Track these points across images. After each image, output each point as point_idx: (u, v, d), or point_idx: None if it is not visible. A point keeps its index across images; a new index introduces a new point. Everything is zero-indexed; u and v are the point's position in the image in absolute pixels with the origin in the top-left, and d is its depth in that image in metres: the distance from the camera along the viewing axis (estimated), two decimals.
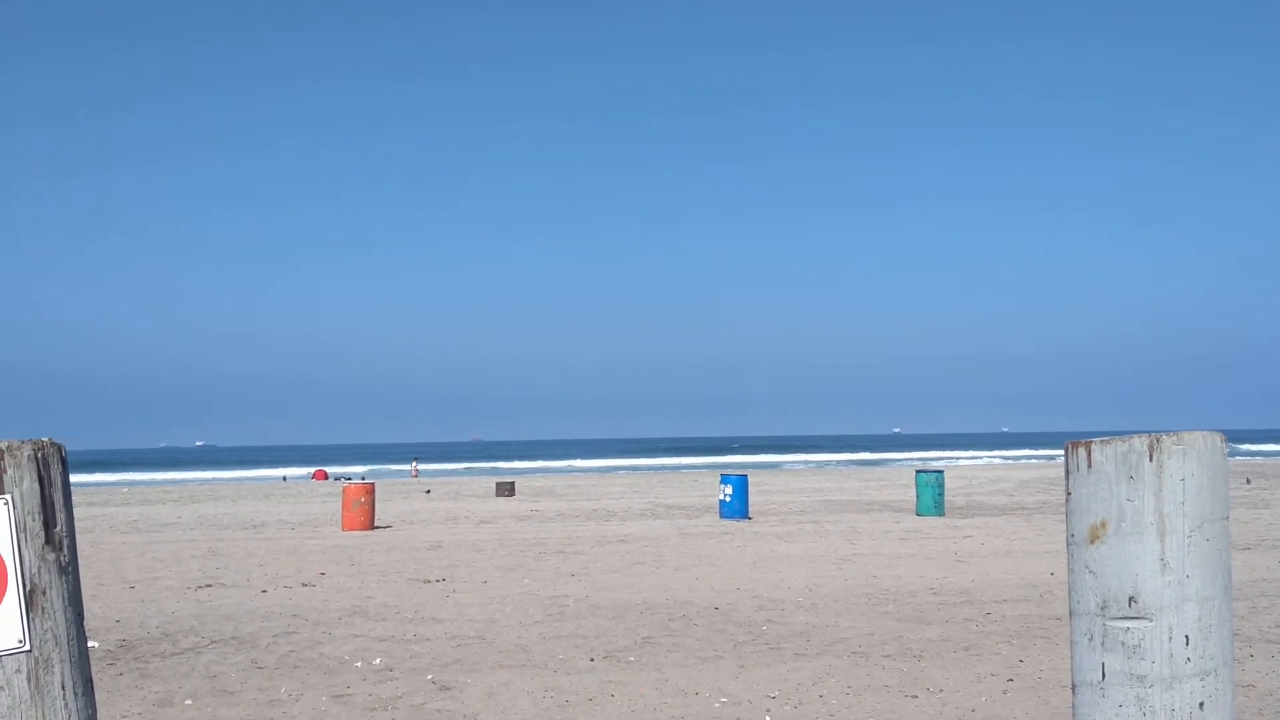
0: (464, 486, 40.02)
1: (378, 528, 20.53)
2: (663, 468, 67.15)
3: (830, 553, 14.80)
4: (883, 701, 6.41)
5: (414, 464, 64.34)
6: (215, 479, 62.37)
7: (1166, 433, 2.55)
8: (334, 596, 11.31)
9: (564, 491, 34.93)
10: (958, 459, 74.75)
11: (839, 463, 78.12)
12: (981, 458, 76.59)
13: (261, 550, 16.48)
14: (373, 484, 21.91)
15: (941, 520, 20.56)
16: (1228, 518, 2.63)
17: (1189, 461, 2.53)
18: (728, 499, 21.58)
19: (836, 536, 17.25)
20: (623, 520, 21.70)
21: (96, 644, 8.69)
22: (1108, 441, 2.60)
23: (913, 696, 6.50)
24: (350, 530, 19.84)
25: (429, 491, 33.91)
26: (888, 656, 7.71)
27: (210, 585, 12.40)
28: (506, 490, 32.32)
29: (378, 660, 7.89)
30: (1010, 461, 70.24)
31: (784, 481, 39.72)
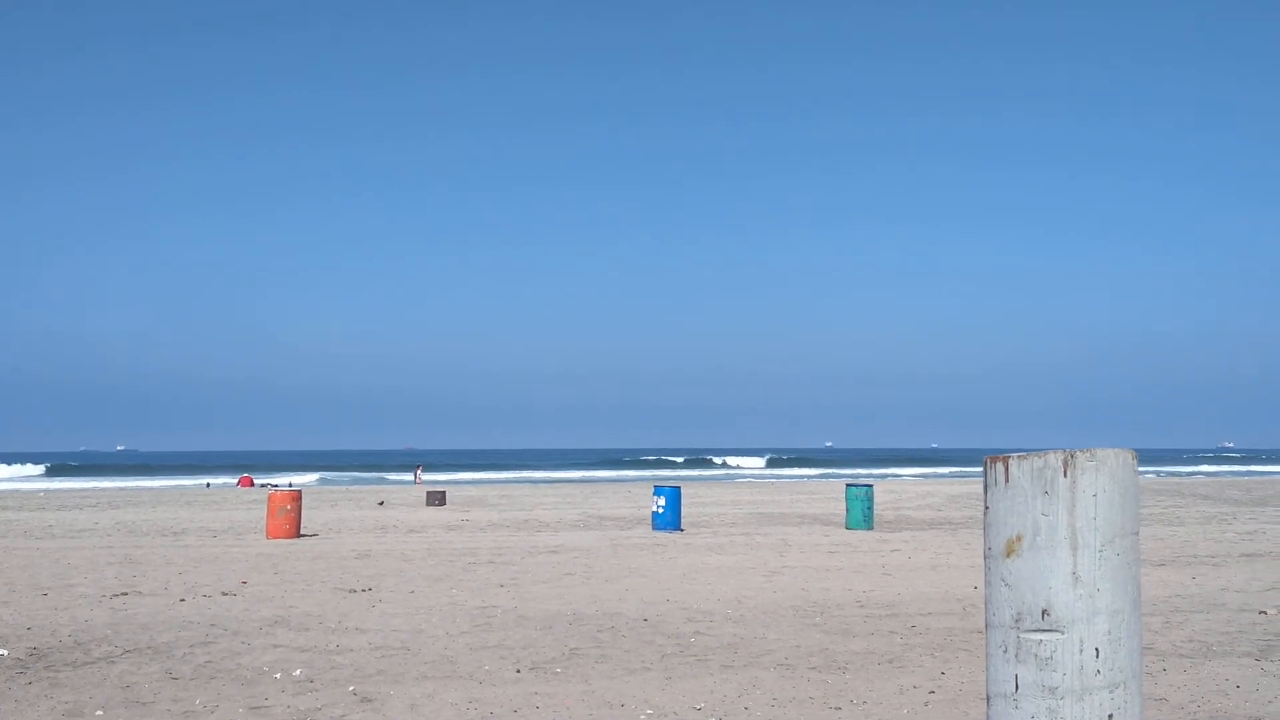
0: (394, 495, 39.52)
1: (304, 536, 20.17)
2: (597, 479, 67.04)
3: (760, 565, 14.89)
4: (807, 714, 6.46)
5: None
6: (136, 486, 60.71)
7: (1081, 449, 2.60)
8: (255, 606, 11.07)
9: (496, 501, 34.68)
10: (888, 474, 75.77)
11: (772, 475, 78.75)
12: (905, 474, 77.77)
13: (181, 558, 16.07)
14: (299, 491, 21.53)
15: (870, 534, 20.82)
16: (1137, 533, 2.70)
17: (1101, 477, 2.59)
18: (661, 511, 21.61)
19: (767, 549, 17.36)
20: (555, 531, 21.60)
21: (5, 652, 8.40)
22: (1024, 457, 2.65)
23: (836, 709, 6.56)
24: (275, 538, 19.45)
25: (382, 503, 33.35)
26: (813, 669, 7.76)
27: (126, 593, 12.05)
28: (437, 499, 31.97)
29: (298, 671, 7.73)
30: (939, 477, 71.42)
31: (717, 494, 39.90)
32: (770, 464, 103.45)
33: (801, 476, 74.76)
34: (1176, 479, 60.13)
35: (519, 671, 7.71)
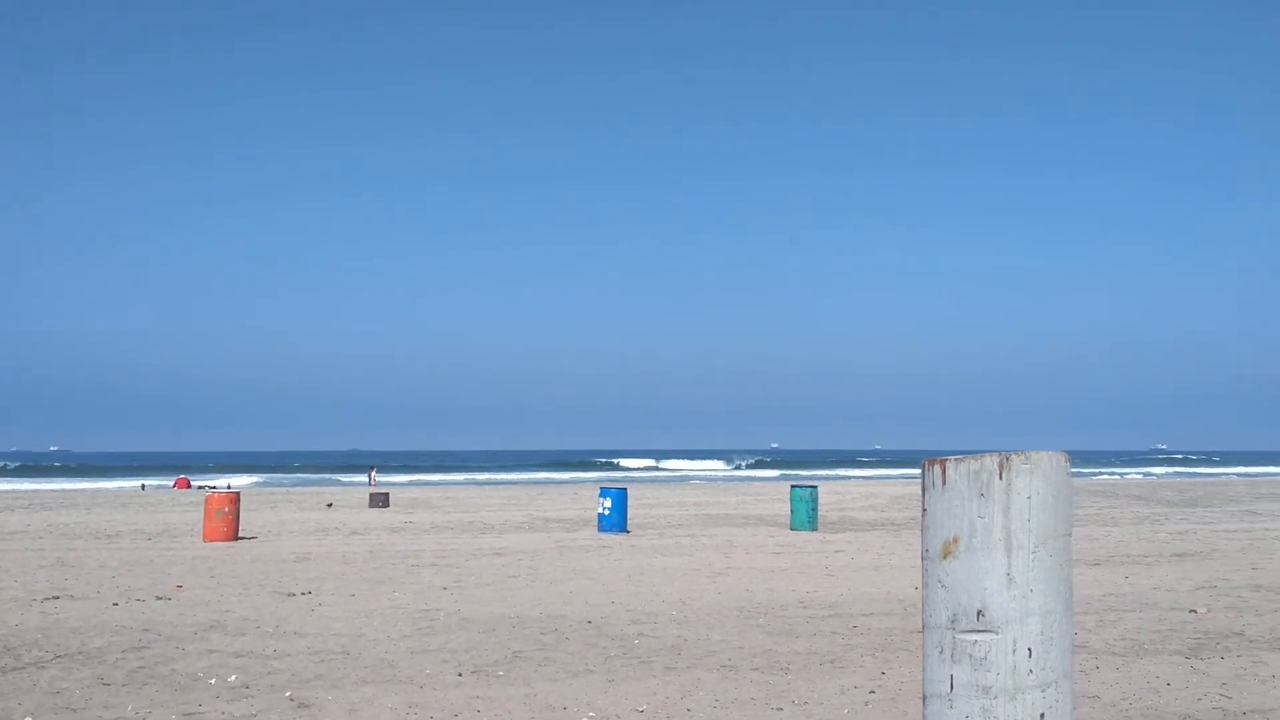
0: (341, 497, 39.01)
1: (242, 538, 19.82)
2: (543, 481, 66.82)
3: (705, 566, 14.93)
4: (749, 714, 6.47)
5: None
6: (69, 487, 59.23)
7: (1016, 452, 2.64)
8: (190, 610, 10.85)
9: (440, 503, 34.39)
10: (833, 475, 76.48)
11: (718, 476, 79.09)
12: (852, 475, 78.58)
13: (115, 561, 15.70)
14: (237, 493, 21.16)
15: (815, 535, 20.99)
16: (1070, 534, 2.74)
17: (1036, 480, 2.62)
18: (607, 512, 21.59)
19: (712, 550, 17.42)
20: (500, 533, 21.48)
21: None
22: (961, 460, 2.67)
23: (778, 709, 6.58)
24: (212, 541, 19.09)
25: (330, 505, 32.84)
26: (756, 670, 7.79)
27: (57, 597, 11.74)
28: (380, 501, 31.62)
29: (233, 677, 7.58)
30: (882, 478, 72.25)
31: (664, 495, 39.97)
32: (745, 465, 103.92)
33: (748, 477, 75.18)
34: (1112, 480, 61.49)
35: (460, 675, 7.64)
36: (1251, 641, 8.75)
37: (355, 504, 33.36)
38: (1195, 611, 10.41)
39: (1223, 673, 7.50)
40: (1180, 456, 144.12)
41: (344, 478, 73.57)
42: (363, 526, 23.43)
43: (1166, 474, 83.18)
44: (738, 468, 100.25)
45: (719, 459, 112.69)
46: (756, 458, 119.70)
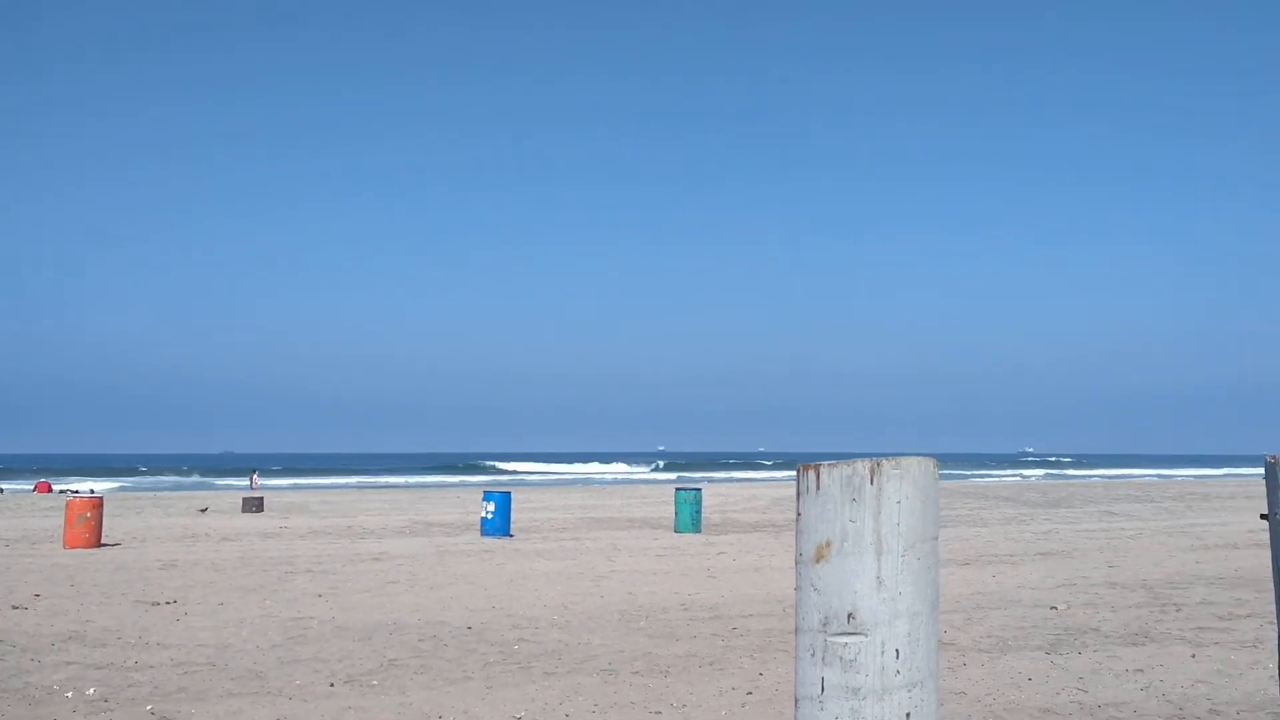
0: (211, 501, 37.62)
1: (105, 545, 18.92)
2: (426, 484, 65.72)
3: (588, 570, 14.90)
4: (627, 718, 6.47)
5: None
6: None
7: (887, 457, 2.69)
8: (48, 620, 10.29)
9: (318, 508, 33.50)
10: (718, 477, 77.36)
11: (605, 479, 79.18)
12: (738, 477, 79.63)
13: None
14: (100, 497, 20.20)
15: (698, 537, 21.18)
16: (937, 537, 2.81)
17: (905, 485, 2.67)
18: (490, 516, 21.35)
19: (596, 553, 17.41)
20: (379, 538, 21.03)
21: None
22: (835, 465, 2.71)
23: (656, 713, 6.60)
24: (73, 548, 18.17)
25: (205, 509, 31.50)
26: (636, 673, 7.80)
27: None
28: (254, 506, 30.61)
29: (91, 690, 7.21)
30: (766, 481, 73.46)
31: (548, 498, 39.79)
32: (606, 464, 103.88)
33: (633, 480, 75.48)
34: (983, 482, 63.78)
35: (333, 685, 7.44)
36: (1107, 636, 9.17)
37: (229, 509, 32.21)
38: (1056, 608, 10.86)
39: (1080, 667, 7.84)
40: (1050, 459, 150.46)
41: (219, 481, 70.95)
42: (234, 532, 22.64)
43: (1034, 477, 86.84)
44: (633, 468, 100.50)
45: (605, 461, 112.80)
46: (645, 460, 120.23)
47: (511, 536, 21.11)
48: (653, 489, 50.85)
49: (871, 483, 2.66)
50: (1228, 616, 10.18)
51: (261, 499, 32.26)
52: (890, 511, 2.65)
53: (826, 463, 2.75)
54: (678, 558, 16.76)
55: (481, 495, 22.59)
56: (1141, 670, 7.68)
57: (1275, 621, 7.78)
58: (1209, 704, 6.58)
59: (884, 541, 2.64)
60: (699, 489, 23.76)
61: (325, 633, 9.65)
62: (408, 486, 60.70)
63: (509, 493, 22.36)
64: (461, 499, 39.12)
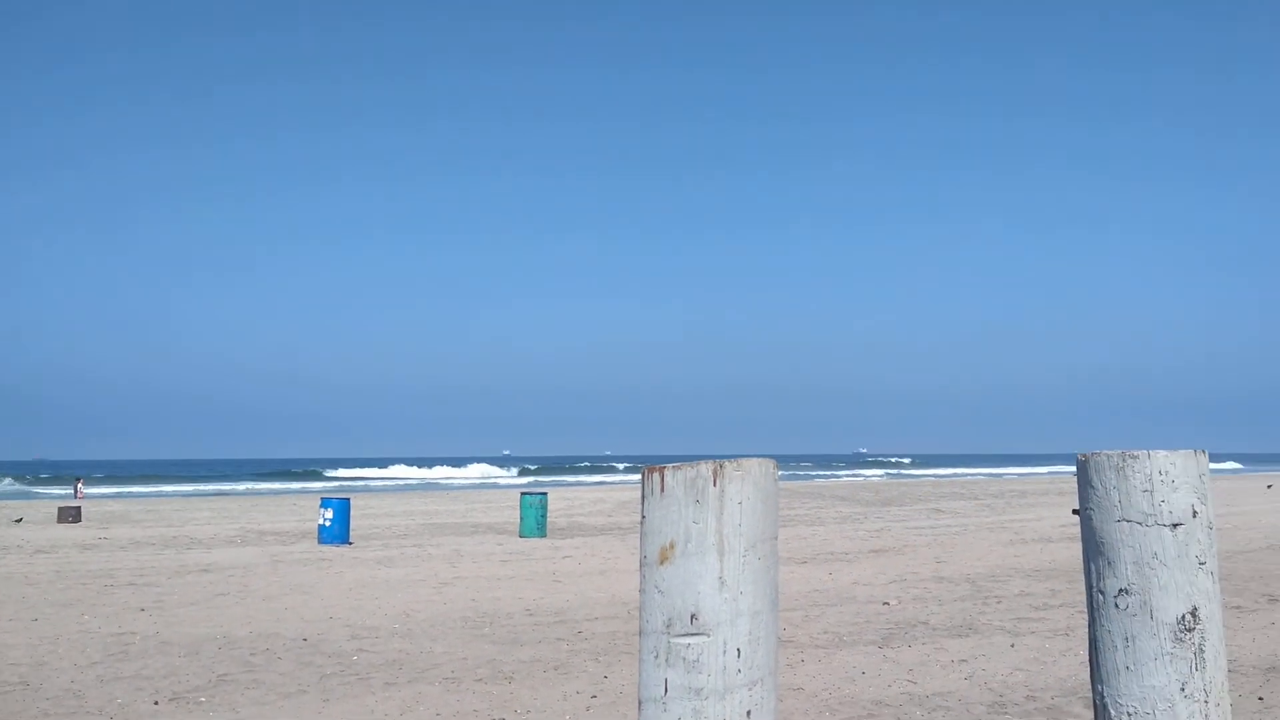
0: (25, 510, 35.09)
1: None
2: (259, 491, 63.17)
3: (431, 577, 14.62)
4: None
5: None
6: None
7: (729, 459, 2.72)
8: None
9: (141, 517, 31.72)
10: (563, 481, 77.25)
11: (450, 484, 77.93)
12: (587, 481, 79.77)
13: None
14: None
15: (544, 541, 21.09)
16: (776, 537, 2.86)
17: (746, 486, 2.71)
18: (327, 523, 20.69)
19: (439, 560, 17.10)
20: (208, 548, 20.07)
21: None
22: (679, 467, 2.72)
23: (500, 719, 6.52)
24: None
25: (20, 520, 29.17)
26: (480, 680, 7.69)
27: None
28: (71, 516, 28.72)
29: None
30: (614, 484, 73.84)
31: (389, 504, 38.85)
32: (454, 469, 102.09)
33: (481, 485, 74.57)
34: (821, 482, 65.88)
35: (157, 703, 7.04)
36: (934, 629, 9.60)
37: (43, 519, 30.13)
38: (887, 604, 11.30)
39: (910, 659, 8.17)
40: (890, 459, 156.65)
41: (38, 489, 66.23)
42: (49, 544, 21.18)
43: (872, 476, 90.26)
44: (478, 471, 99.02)
45: (456, 465, 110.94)
46: (494, 464, 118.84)
47: (351, 544, 20.51)
48: (498, 494, 50.37)
49: (714, 484, 2.68)
50: (1043, 606, 10.81)
51: (79, 508, 30.31)
52: (732, 512, 2.68)
53: (670, 465, 2.76)
54: (522, 563, 16.64)
55: (319, 502, 21.86)
56: (966, 660, 8.07)
57: (1086, 610, 8.29)
58: (1026, 690, 6.97)
59: (726, 542, 2.67)
60: (544, 493, 23.67)
61: (149, 648, 9.13)
62: (239, 494, 58.16)
63: (348, 499, 21.73)
64: (297, 506, 37.76)
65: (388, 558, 17.60)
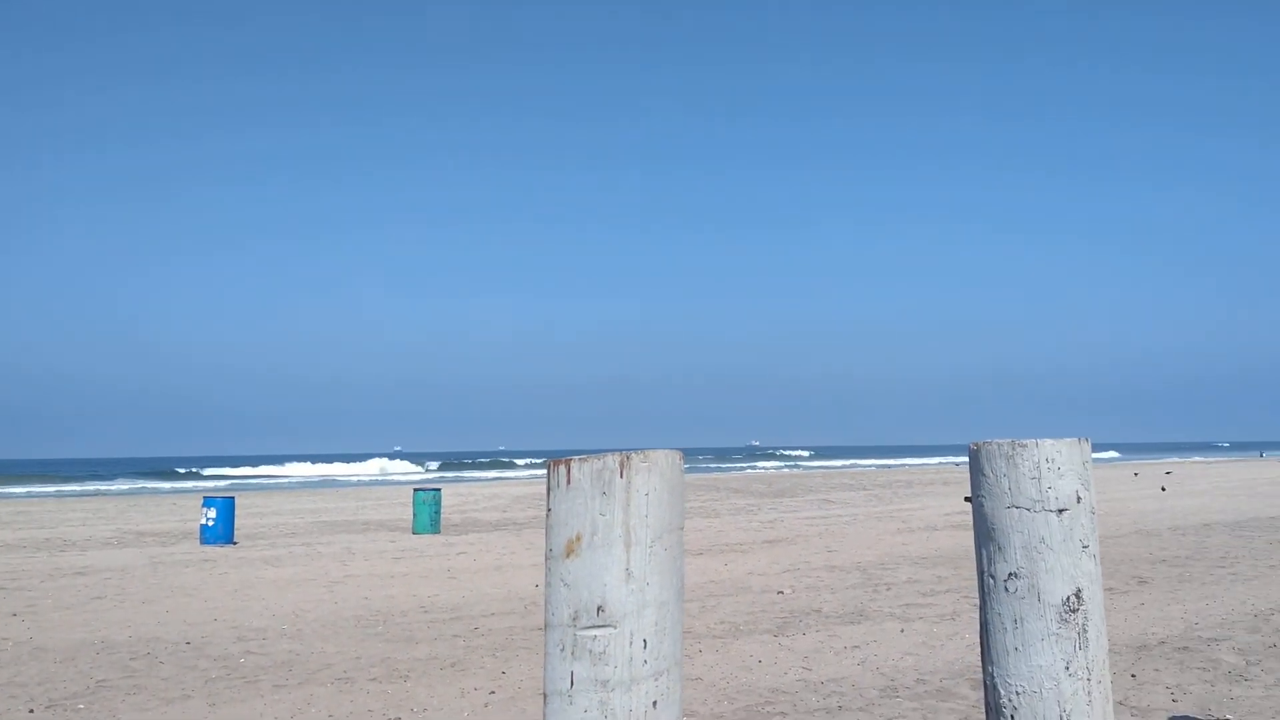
0: None
1: None
2: (136, 490, 60.75)
3: (321, 576, 14.29)
4: None
5: None
6: None
7: (636, 451, 2.72)
8: None
9: (9, 518, 30.18)
10: (459, 478, 76.35)
11: (339, 481, 76.23)
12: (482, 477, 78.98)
13: None
14: None
15: (438, 538, 20.81)
16: (682, 528, 2.88)
17: (653, 478, 2.72)
18: (210, 523, 20.02)
19: (329, 558, 16.72)
20: (83, 550, 19.21)
21: None
22: (585, 460, 2.71)
23: (396, 719, 6.41)
24: None
25: None
26: (374, 680, 7.55)
27: None
28: None
29: None
30: (506, 480, 73.32)
31: (276, 502, 37.82)
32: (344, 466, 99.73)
33: (368, 481, 73.15)
34: (716, 475, 66.63)
35: (32, 711, 6.70)
36: (827, 617, 9.81)
37: None
38: (782, 593, 11.50)
39: (805, 647, 8.33)
40: (784, 452, 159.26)
41: None
42: None
43: (768, 468, 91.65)
44: (366, 467, 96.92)
45: (347, 462, 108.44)
46: (387, 460, 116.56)
47: (235, 544, 19.90)
48: (390, 490, 49.53)
49: (621, 476, 2.68)
50: (930, 593, 11.15)
51: None
52: (639, 504, 2.69)
53: (577, 457, 2.75)
54: (416, 560, 16.40)
55: (201, 501, 21.13)
56: (858, 647, 8.27)
57: (970, 596, 8.53)
58: (916, 674, 7.17)
59: (633, 533, 2.68)
60: (438, 489, 23.35)
61: (21, 655, 8.69)
62: (116, 493, 55.83)
63: (232, 498, 21.06)
64: (178, 506, 36.45)
65: (275, 557, 17.13)
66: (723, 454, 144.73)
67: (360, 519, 27.41)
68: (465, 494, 42.05)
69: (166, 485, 69.23)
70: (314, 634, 9.59)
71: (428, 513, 22.13)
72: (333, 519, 27.61)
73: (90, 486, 67.59)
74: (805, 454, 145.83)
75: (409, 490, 40.05)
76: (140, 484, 71.46)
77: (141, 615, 10.93)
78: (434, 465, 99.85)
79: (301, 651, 8.72)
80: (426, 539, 20.65)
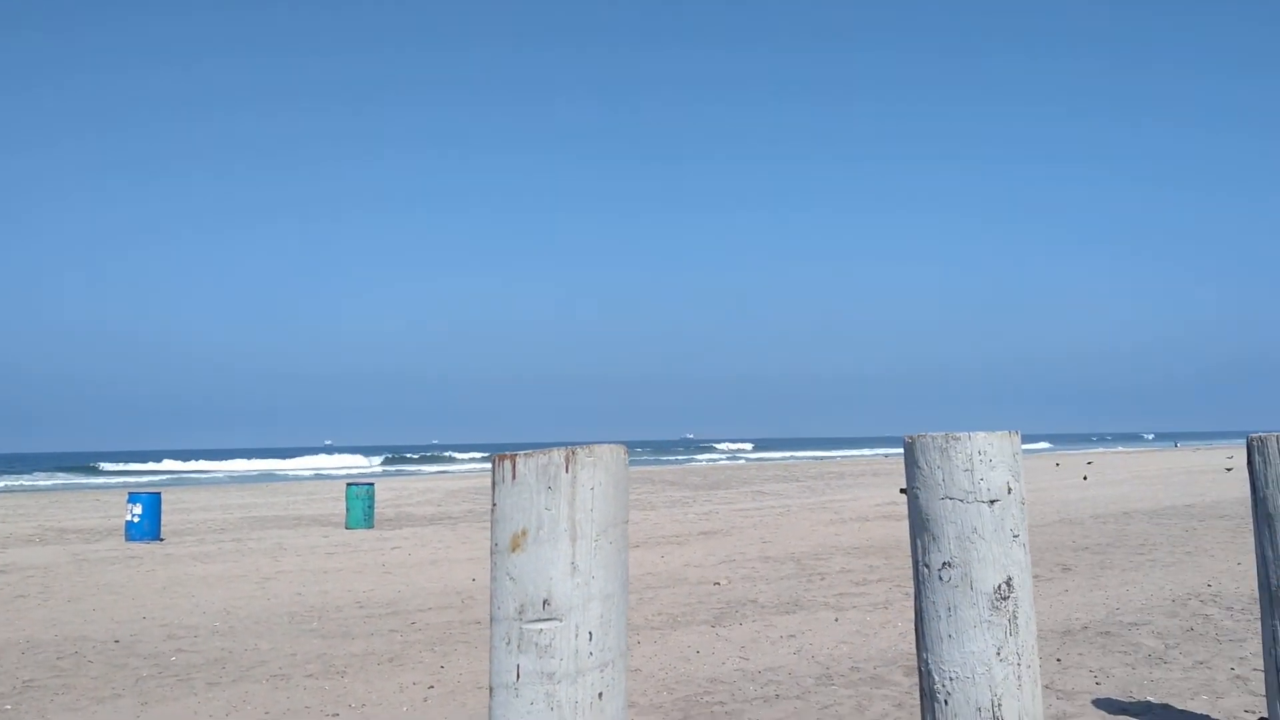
0: None
1: None
2: (58, 487, 59.07)
3: (253, 572, 14.07)
4: None
5: None
6: None
7: (581, 445, 2.76)
8: None
9: None
10: (393, 472, 75.52)
11: (272, 475, 74.92)
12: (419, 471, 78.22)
13: None
14: None
15: (371, 532, 20.60)
16: (627, 521, 2.92)
17: (599, 472, 2.76)
18: (136, 519, 19.56)
19: (261, 554, 16.46)
20: (3, 548, 18.65)
21: None
22: (530, 455, 2.74)
23: (334, 715, 6.36)
24: None
25: None
26: (310, 676, 7.47)
27: None
28: None
29: None
30: (443, 473, 72.78)
31: (205, 498, 37.08)
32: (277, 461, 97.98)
33: (304, 476, 72.03)
34: (652, 468, 66.91)
35: None
36: (763, 607, 9.94)
37: None
38: (718, 584, 11.62)
39: (741, 637, 8.44)
40: (703, 444, 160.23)
41: None
42: None
43: (703, 461, 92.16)
44: (302, 462, 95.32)
45: (274, 458, 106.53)
46: (319, 455, 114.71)
47: (162, 540, 19.48)
48: (322, 485, 48.85)
49: (567, 470, 2.72)
50: (863, 582, 11.35)
51: None
52: (585, 498, 2.73)
53: (522, 452, 2.77)
54: (350, 555, 16.22)
55: (126, 497, 20.65)
56: (794, 636, 8.40)
57: (902, 585, 8.72)
58: (851, 662, 7.32)
59: (578, 527, 2.71)
60: (371, 484, 23.11)
61: None
62: (36, 489, 54.23)
63: (158, 494, 20.61)
64: (102, 502, 35.54)
65: (204, 553, 16.82)
66: (658, 447, 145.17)
67: (292, 514, 27.01)
68: (399, 488, 41.65)
69: (89, 481, 67.39)
70: (246, 631, 9.45)
71: (361, 507, 21.88)
72: (263, 514, 27.17)
73: (8, 482, 65.50)
74: (745, 447, 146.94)
75: (342, 485, 39.53)
76: (61, 479, 69.50)
77: (67, 614, 10.67)
78: (378, 460, 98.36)
79: (234, 649, 8.59)
80: (360, 534, 20.44)
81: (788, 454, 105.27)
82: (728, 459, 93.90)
